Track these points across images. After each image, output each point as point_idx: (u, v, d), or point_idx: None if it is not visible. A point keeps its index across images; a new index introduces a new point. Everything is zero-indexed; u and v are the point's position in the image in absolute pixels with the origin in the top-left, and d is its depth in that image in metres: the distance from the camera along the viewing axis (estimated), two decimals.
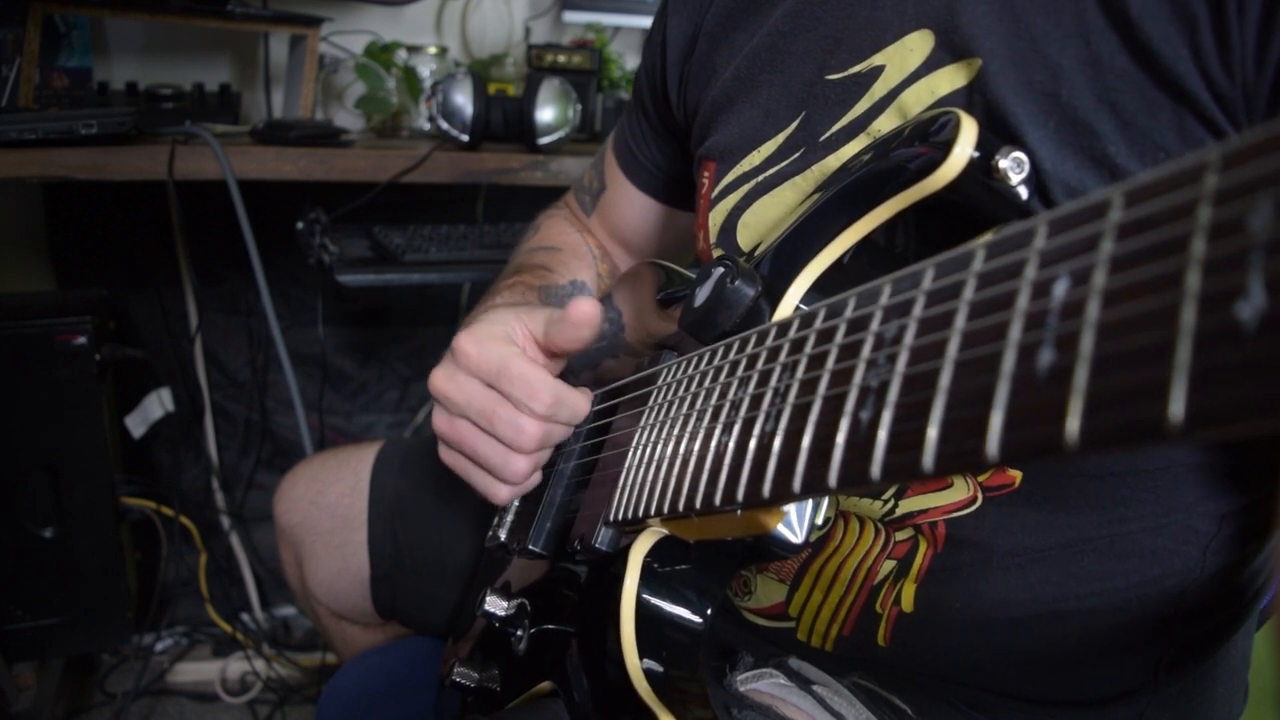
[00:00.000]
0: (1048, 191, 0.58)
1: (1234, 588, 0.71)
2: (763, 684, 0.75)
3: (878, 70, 0.67)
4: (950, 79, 0.63)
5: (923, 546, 0.70)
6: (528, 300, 0.91)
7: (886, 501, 0.69)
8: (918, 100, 0.65)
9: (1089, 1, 0.56)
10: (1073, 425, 0.25)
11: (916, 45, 0.65)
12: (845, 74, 0.70)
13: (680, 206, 1.05)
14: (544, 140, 1.69)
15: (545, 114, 1.68)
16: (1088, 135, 0.57)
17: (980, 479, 0.67)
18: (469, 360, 0.70)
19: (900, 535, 0.71)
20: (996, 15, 0.60)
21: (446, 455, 0.75)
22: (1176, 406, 0.22)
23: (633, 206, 1.07)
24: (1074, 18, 0.57)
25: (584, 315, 0.68)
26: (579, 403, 0.70)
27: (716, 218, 0.81)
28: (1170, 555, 0.67)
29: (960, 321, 0.32)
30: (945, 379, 0.32)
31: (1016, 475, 0.66)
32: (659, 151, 1.02)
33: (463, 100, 1.63)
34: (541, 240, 1.09)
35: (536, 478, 0.75)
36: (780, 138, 0.76)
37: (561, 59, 1.87)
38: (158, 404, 1.89)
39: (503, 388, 0.69)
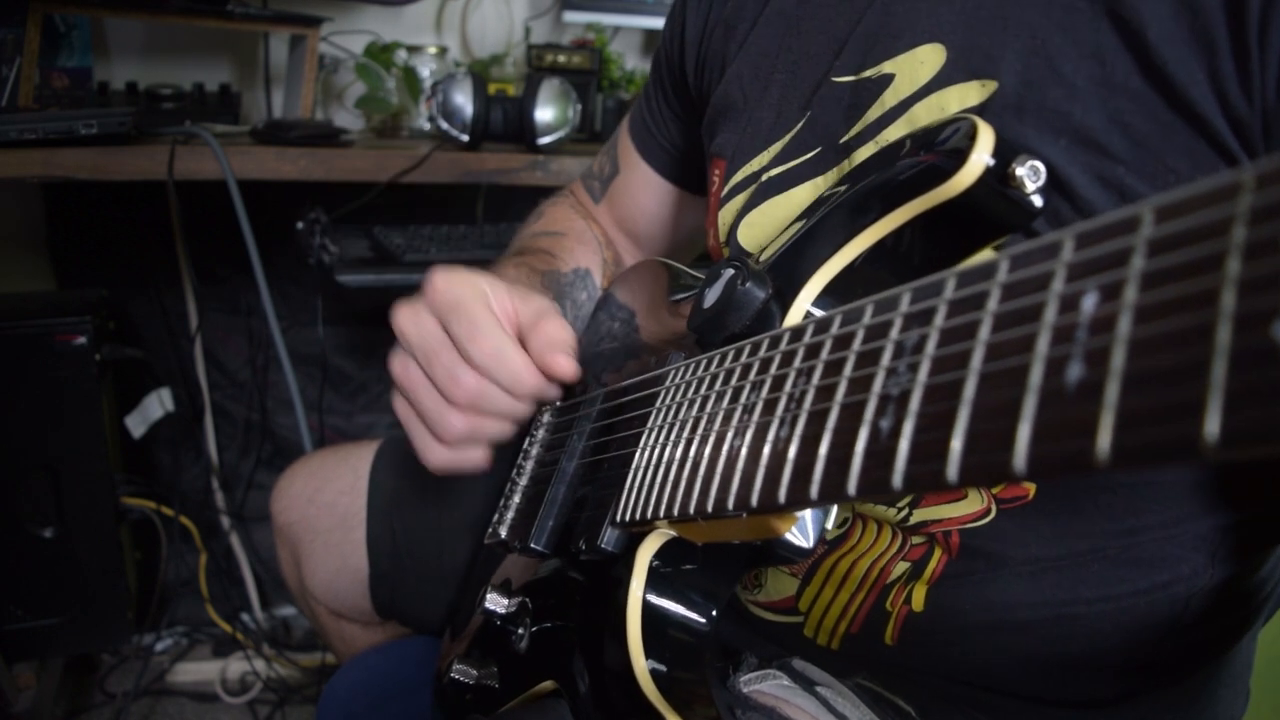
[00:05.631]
0: (1057, 208, 0.58)
1: (1240, 594, 0.71)
2: (766, 685, 0.75)
3: (887, 78, 0.67)
4: (960, 96, 0.62)
5: (938, 551, 0.70)
6: (532, 283, 0.89)
7: (901, 510, 0.69)
8: (929, 114, 0.64)
9: (1105, 23, 0.56)
10: (1104, 441, 0.25)
11: (927, 58, 0.64)
12: (854, 78, 0.70)
13: (694, 191, 1.04)
14: (544, 140, 1.68)
15: (545, 114, 1.68)
16: (1098, 155, 0.57)
17: (994, 491, 0.67)
18: (433, 293, 0.67)
19: (915, 539, 0.71)
20: (1014, 35, 0.60)
21: (397, 404, 0.72)
22: (1212, 426, 0.22)
23: (647, 190, 1.06)
24: (1090, 38, 0.56)
25: (560, 370, 0.66)
26: (521, 369, 0.66)
27: (725, 217, 0.81)
28: (1178, 562, 0.67)
29: (985, 332, 0.32)
30: (970, 390, 0.32)
31: (1030, 487, 0.66)
32: (678, 132, 1.01)
33: (463, 100, 1.63)
34: (545, 225, 1.07)
35: (482, 458, 0.70)
36: (787, 138, 0.76)
37: (561, 59, 1.87)
38: (158, 404, 1.89)
39: (450, 325, 0.66)
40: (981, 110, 0.61)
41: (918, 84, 0.65)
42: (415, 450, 0.71)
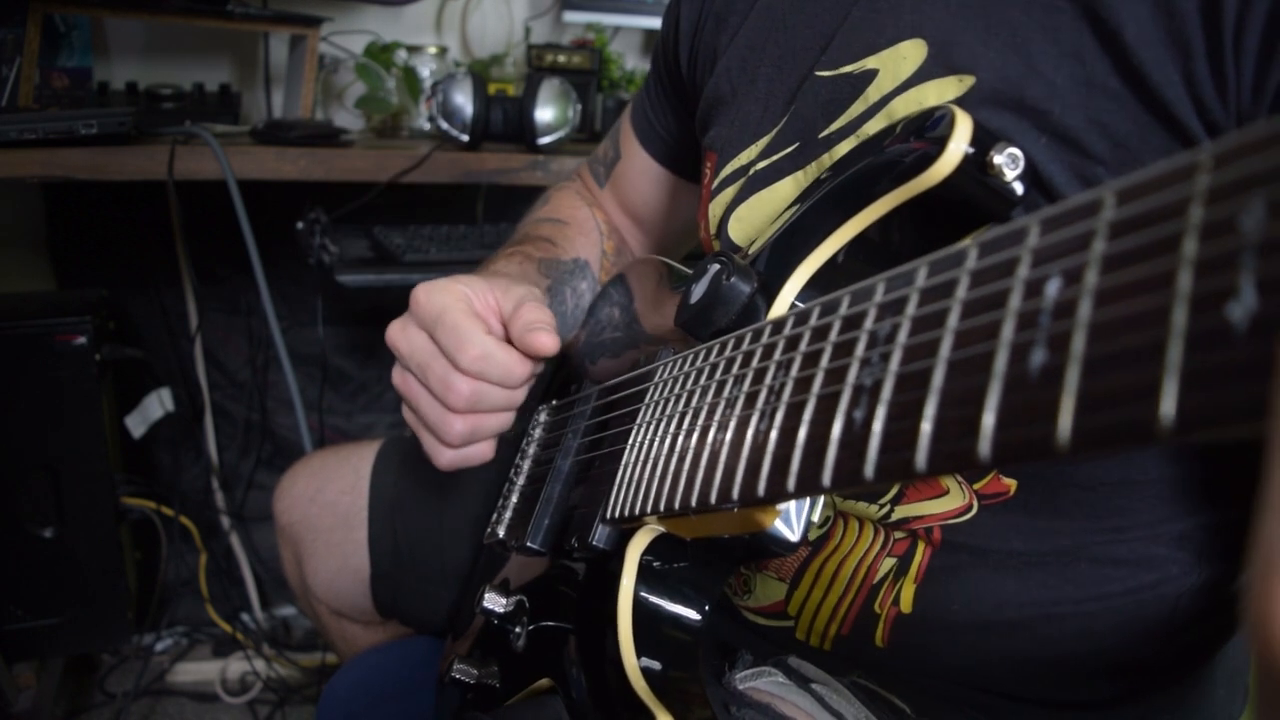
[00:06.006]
0: (1036, 201, 0.58)
1: (1230, 594, 0.71)
2: (761, 682, 0.75)
3: (870, 74, 0.67)
4: (939, 91, 0.62)
5: (922, 544, 0.70)
6: (525, 270, 0.90)
7: (883, 506, 0.69)
8: (906, 109, 0.64)
9: (1084, 23, 0.56)
10: (1064, 425, 0.25)
11: (909, 54, 0.64)
12: (836, 72, 0.70)
13: (692, 179, 1.05)
14: (544, 140, 1.69)
15: (545, 114, 1.68)
16: (1078, 154, 0.57)
17: (976, 487, 0.67)
18: (417, 308, 0.70)
19: (899, 534, 0.71)
20: (993, 32, 0.60)
21: (405, 413, 0.76)
22: (1168, 407, 0.22)
23: (646, 176, 1.07)
24: (1070, 38, 0.56)
25: (540, 346, 0.69)
26: (512, 364, 0.69)
27: (715, 209, 0.81)
28: (1166, 562, 0.67)
29: (953, 320, 0.32)
30: (938, 378, 0.31)
31: (1011, 484, 0.66)
32: (674, 122, 1.02)
33: (463, 100, 1.63)
34: (550, 212, 1.09)
35: (487, 450, 0.74)
36: (773, 132, 0.76)
37: (561, 59, 1.87)
38: (158, 404, 1.90)
39: (437, 337, 0.69)
40: (959, 105, 0.61)
41: (900, 79, 0.65)
42: (425, 453, 0.75)
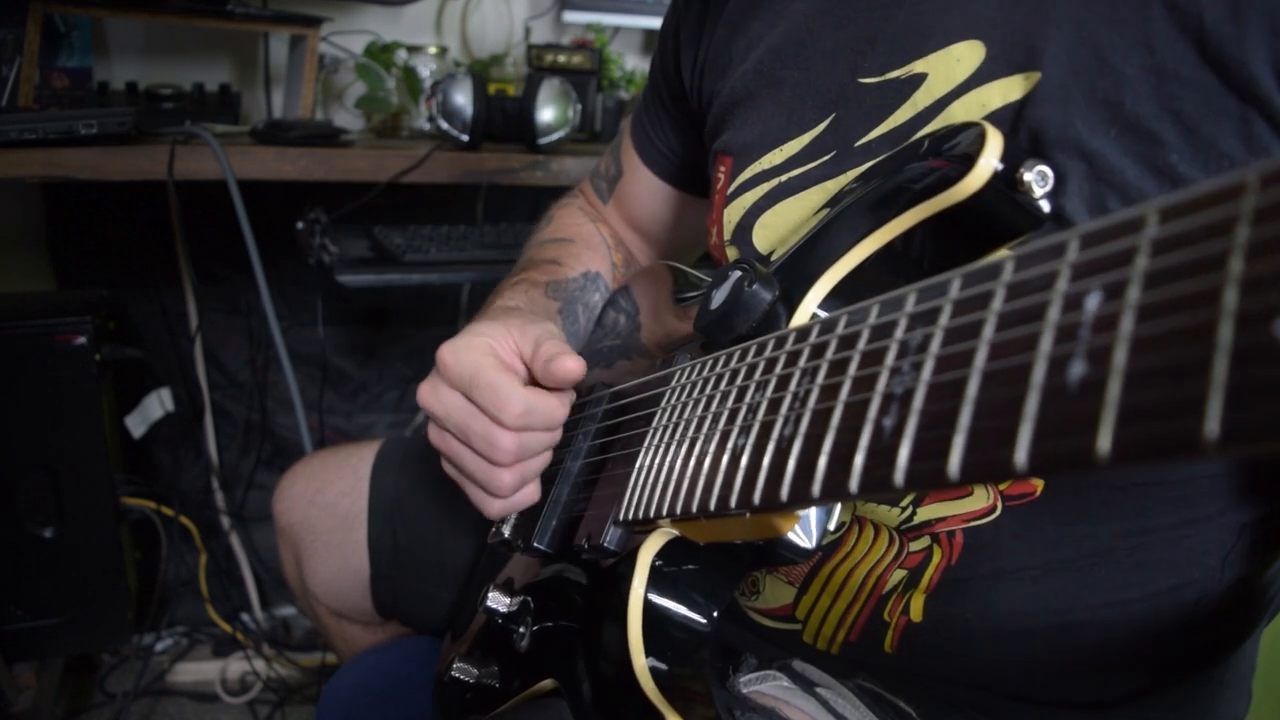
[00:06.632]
0: (1104, 199, 0.58)
1: (1248, 596, 0.70)
2: (766, 686, 0.75)
3: (919, 78, 0.66)
4: (1003, 92, 0.61)
5: (935, 558, 0.69)
6: (532, 298, 0.90)
7: (904, 509, 0.69)
8: (967, 112, 0.63)
9: (1155, 10, 0.55)
10: (1105, 438, 0.26)
11: (964, 55, 0.63)
12: (882, 78, 0.69)
13: (696, 194, 1.04)
14: (544, 140, 1.69)
15: (545, 114, 1.68)
16: (1150, 143, 0.56)
17: (1001, 487, 0.66)
18: (447, 371, 0.70)
19: (914, 545, 0.70)
20: (1057, 26, 0.59)
21: (446, 467, 0.76)
22: (1213, 422, 0.23)
23: (649, 192, 1.06)
24: (1139, 27, 0.56)
25: (566, 373, 0.69)
26: (553, 409, 0.69)
27: (732, 214, 0.80)
28: (1189, 566, 0.67)
29: (989, 332, 0.32)
30: (973, 389, 0.32)
31: (1038, 484, 0.65)
32: (674, 136, 1.01)
33: (463, 100, 1.63)
34: (554, 231, 1.08)
35: (533, 491, 0.74)
36: (806, 138, 0.74)
37: (561, 59, 1.87)
38: (158, 404, 1.89)
39: (475, 398, 0.69)
40: (1024, 103, 0.60)
41: (954, 82, 0.64)
42: (474, 505, 0.75)
